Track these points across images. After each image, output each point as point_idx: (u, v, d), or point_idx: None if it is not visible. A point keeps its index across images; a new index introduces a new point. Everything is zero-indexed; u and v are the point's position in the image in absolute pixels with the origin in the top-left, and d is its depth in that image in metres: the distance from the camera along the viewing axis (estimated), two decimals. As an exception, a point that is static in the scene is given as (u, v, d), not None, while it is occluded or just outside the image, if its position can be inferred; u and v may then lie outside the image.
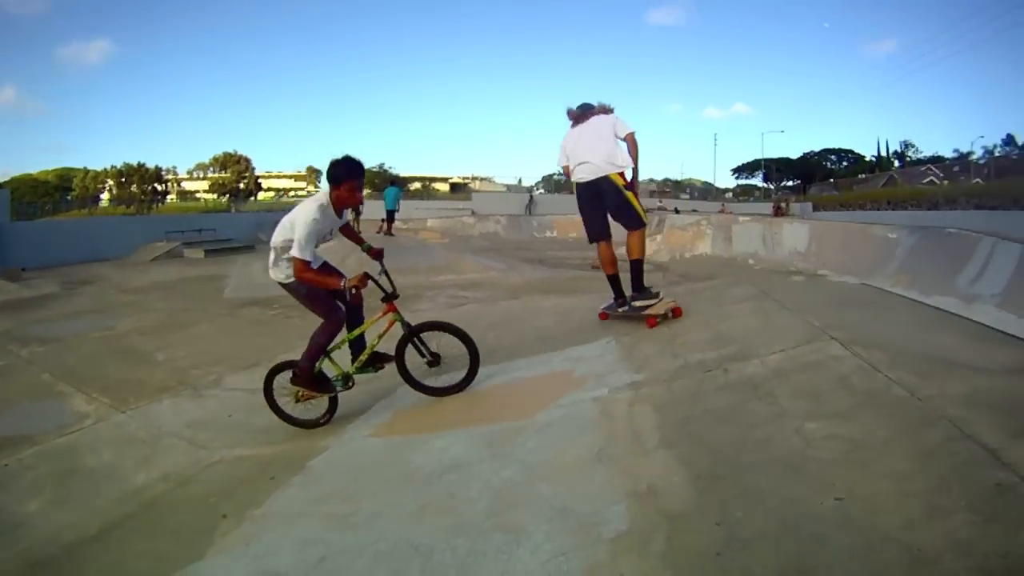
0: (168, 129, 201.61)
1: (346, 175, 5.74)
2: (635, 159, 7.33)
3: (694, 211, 50.78)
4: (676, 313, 7.20)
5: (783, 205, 56.13)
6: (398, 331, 6.13)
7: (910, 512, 2.79)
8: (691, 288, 10.08)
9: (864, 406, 3.93)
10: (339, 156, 5.80)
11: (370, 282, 5.90)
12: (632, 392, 4.93)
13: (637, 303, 7.44)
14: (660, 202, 64.25)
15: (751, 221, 20.25)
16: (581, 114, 7.51)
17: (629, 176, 7.24)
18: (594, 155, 7.14)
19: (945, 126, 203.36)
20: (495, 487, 3.71)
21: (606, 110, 7.45)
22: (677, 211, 48.36)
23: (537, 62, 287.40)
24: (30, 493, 5.10)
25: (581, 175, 7.43)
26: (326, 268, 6.24)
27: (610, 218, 7.47)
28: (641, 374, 5.37)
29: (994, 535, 2.55)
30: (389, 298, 6.20)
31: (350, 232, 6.89)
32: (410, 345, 6.12)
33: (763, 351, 5.25)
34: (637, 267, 7.62)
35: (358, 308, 6.48)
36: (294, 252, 5.52)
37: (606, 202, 7.41)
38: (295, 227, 5.60)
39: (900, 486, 2.99)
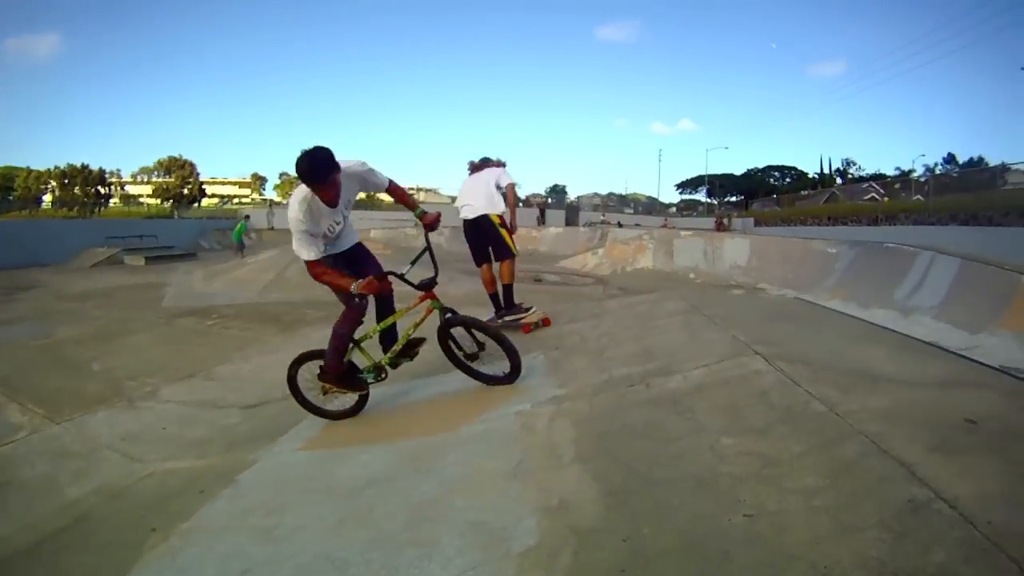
0: (113, 130, 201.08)
1: (325, 173, 5.17)
2: (511, 206, 8.96)
3: (637, 225, 51.19)
4: (546, 323, 8.41)
5: (725, 220, 56.93)
6: (434, 319, 5.96)
7: (819, 529, 2.82)
8: (625, 302, 10.11)
9: (781, 421, 3.97)
10: (310, 149, 5.19)
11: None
12: (554, 406, 4.98)
13: (508, 317, 8.71)
14: (603, 216, 64.55)
15: (693, 236, 20.53)
16: (479, 165, 9.05)
17: (508, 218, 8.75)
18: (477, 199, 8.56)
19: (887, 145, 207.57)
20: (413, 501, 3.75)
21: (499, 164, 9.03)
22: (620, 225, 48.78)
23: (486, 73, 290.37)
24: (-39, 506, 5.01)
25: (466, 214, 8.91)
26: (348, 257, 6.19)
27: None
28: (565, 388, 5.43)
29: (905, 553, 2.57)
30: (425, 287, 5.90)
31: (401, 194, 6.35)
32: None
33: (687, 366, 5.30)
34: (508, 290, 8.88)
35: (388, 298, 6.30)
36: (300, 256, 5.53)
37: (486, 236, 8.82)
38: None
39: (810, 502, 3.02)
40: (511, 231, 8.92)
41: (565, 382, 5.61)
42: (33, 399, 7.39)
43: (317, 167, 5.10)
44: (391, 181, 6.07)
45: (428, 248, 6.05)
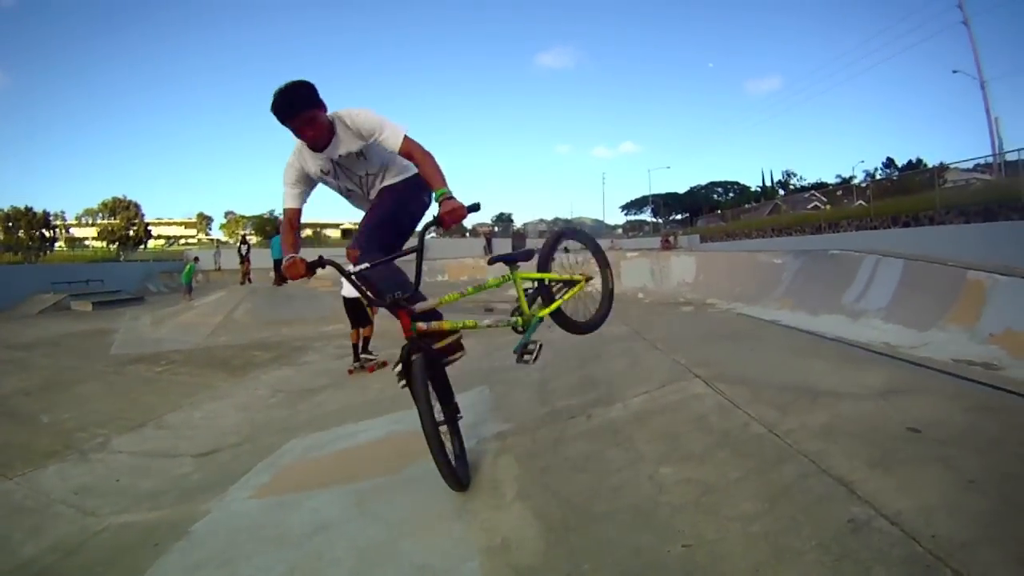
0: (56, 171, 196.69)
1: (291, 108, 4.46)
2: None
3: (583, 248, 51.47)
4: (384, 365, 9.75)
5: (671, 238, 57.35)
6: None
7: (757, 556, 2.85)
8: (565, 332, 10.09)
9: (719, 446, 4.03)
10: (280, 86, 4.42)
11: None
12: (499, 443, 5.01)
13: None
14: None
15: (639, 256, 21.00)
16: None
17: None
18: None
19: (827, 154, 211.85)
20: (360, 546, 3.75)
21: None
22: (567, 250, 48.79)
23: (427, 104, 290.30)
24: (-87, 569, 4.94)
25: (344, 292, 9.94)
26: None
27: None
28: (509, 423, 5.46)
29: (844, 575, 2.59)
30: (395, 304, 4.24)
31: (421, 159, 4.54)
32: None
33: (628, 394, 5.37)
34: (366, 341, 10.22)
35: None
36: None
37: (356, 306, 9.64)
38: None
39: (748, 529, 3.05)
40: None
41: (510, 417, 5.65)
42: (-17, 453, 7.25)
43: (282, 99, 4.41)
44: (407, 139, 4.57)
45: (420, 249, 4.33)
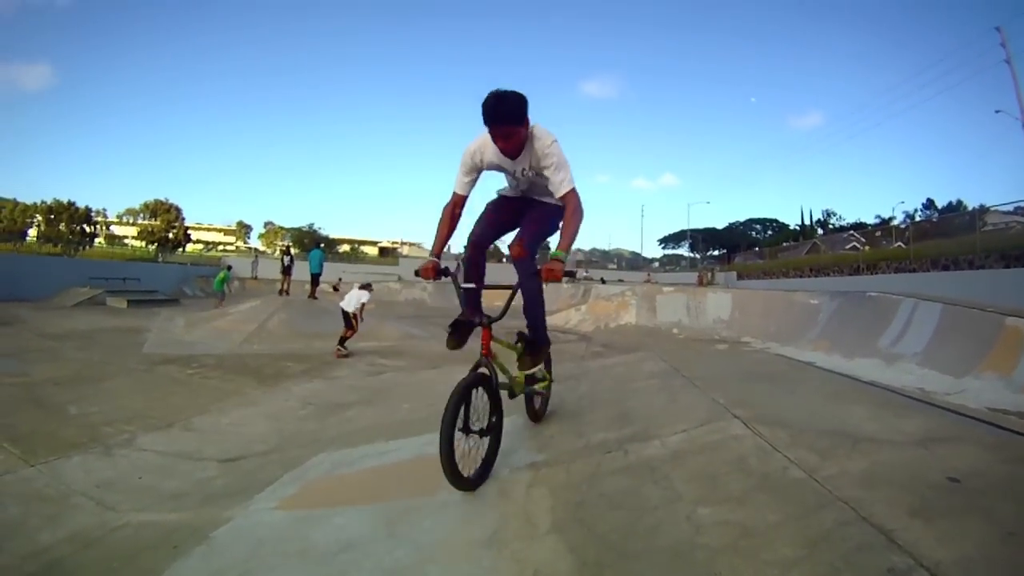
0: (101, 169, 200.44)
1: (499, 117, 4.79)
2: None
3: (620, 281, 51.37)
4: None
5: (708, 274, 57.04)
6: None
7: (797, 602, 2.74)
8: (604, 363, 10.14)
9: (759, 489, 3.94)
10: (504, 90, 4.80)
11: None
12: (531, 473, 4.92)
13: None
14: (586, 272, 64.89)
15: (675, 291, 20.77)
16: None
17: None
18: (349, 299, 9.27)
19: (867, 193, 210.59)
20: (387, 567, 3.68)
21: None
22: (603, 281, 48.90)
23: (471, 127, 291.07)
24: (-68, 545, 4.90)
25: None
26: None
27: None
28: (543, 454, 5.36)
29: (884, 625, 2.49)
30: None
31: (568, 219, 4.99)
32: None
33: (665, 431, 5.26)
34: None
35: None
36: None
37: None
38: None
39: (787, 574, 2.97)
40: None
41: (543, 447, 5.55)
42: (7, 438, 7.32)
43: (495, 105, 4.77)
44: (572, 193, 5.00)
45: (516, 288, 5.26)
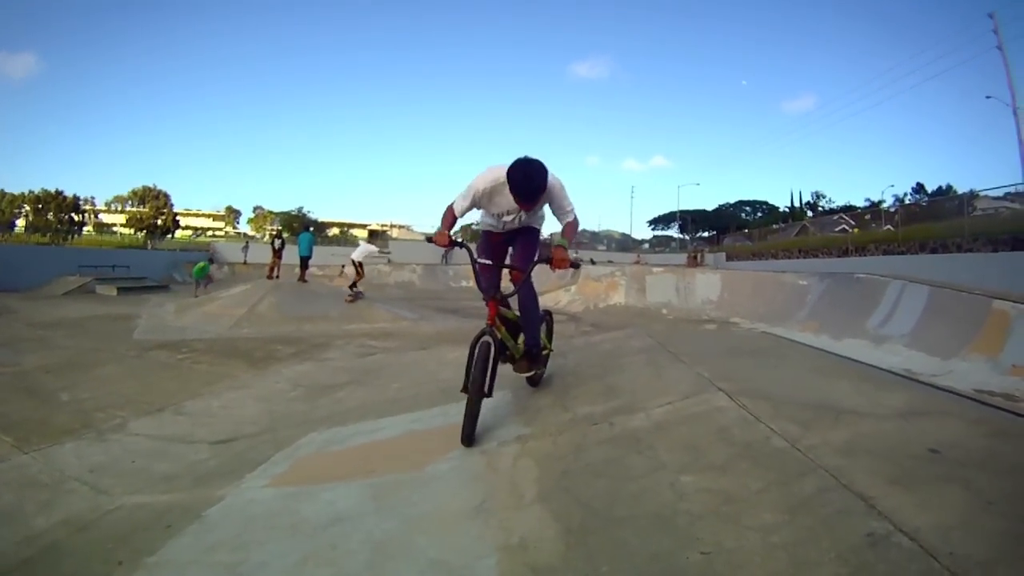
0: (88, 157, 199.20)
1: (534, 195, 5.14)
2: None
3: (610, 262, 51.37)
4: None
5: (698, 256, 57.04)
6: None
7: (775, 565, 2.84)
8: (590, 340, 10.19)
9: (741, 458, 4.01)
10: (529, 161, 5.07)
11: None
12: (519, 445, 4.99)
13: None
14: (575, 254, 65.13)
15: (665, 272, 21.07)
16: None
17: None
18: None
19: (857, 177, 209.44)
20: (376, 539, 3.74)
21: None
22: (593, 262, 48.96)
23: (459, 109, 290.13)
24: (-76, 532, 4.95)
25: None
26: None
27: None
28: (530, 427, 5.44)
29: (862, 588, 2.57)
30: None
31: (569, 231, 5.62)
32: None
33: (650, 404, 5.33)
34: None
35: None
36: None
37: None
38: None
39: (767, 539, 3.04)
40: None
41: (530, 420, 5.63)
42: (0, 427, 7.34)
43: (526, 187, 5.05)
44: (574, 223, 5.62)
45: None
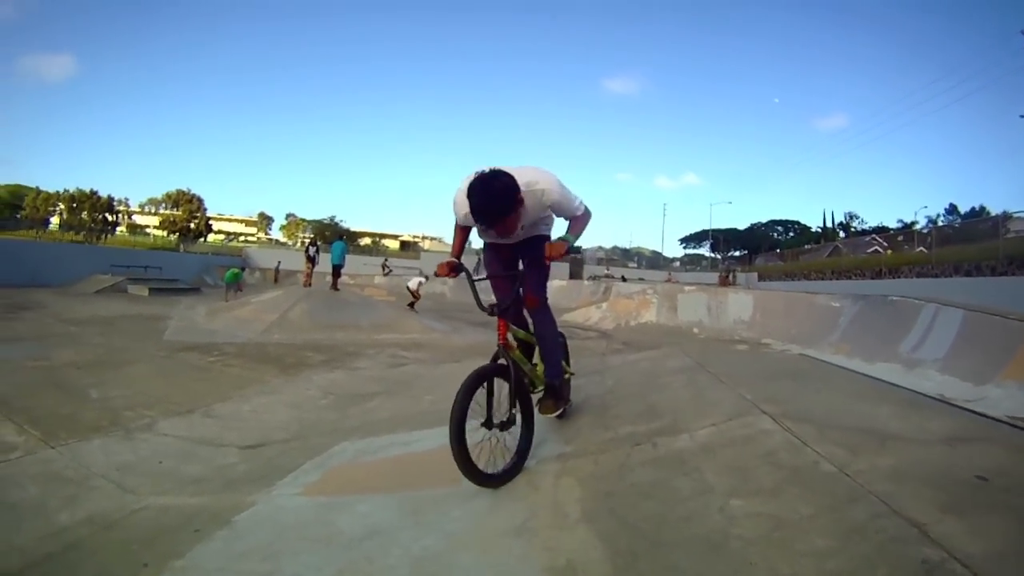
0: (123, 159, 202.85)
1: (494, 215, 4.48)
2: None
3: (641, 280, 51.41)
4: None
5: (729, 275, 56.82)
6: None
7: (833, 592, 2.74)
8: (629, 359, 10.01)
9: (790, 482, 3.90)
10: (484, 175, 4.43)
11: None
12: (560, 464, 4.87)
13: None
14: (607, 270, 64.99)
15: (697, 290, 20.86)
16: None
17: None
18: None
19: (889, 197, 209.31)
20: (415, 555, 3.65)
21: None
22: (624, 279, 48.93)
23: (492, 122, 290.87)
24: (-49, 522, 4.90)
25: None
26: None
27: None
28: (570, 446, 5.31)
29: (919, 613, 2.50)
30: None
31: (578, 225, 5.03)
32: None
33: (693, 425, 5.20)
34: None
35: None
36: None
37: None
38: None
39: (822, 565, 2.95)
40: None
41: (570, 439, 5.49)
42: (28, 420, 7.35)
43: (485, 206, 4.42)
44: (584, 217, 5.04)
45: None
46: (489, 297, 5.00)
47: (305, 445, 6.66)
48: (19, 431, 6.97)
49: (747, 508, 3.61)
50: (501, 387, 4.72)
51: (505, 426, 4.70)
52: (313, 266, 31.16)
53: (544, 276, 5.50)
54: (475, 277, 5.03)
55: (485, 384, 4.61)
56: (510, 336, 5.07)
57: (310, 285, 28.65)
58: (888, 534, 3.11)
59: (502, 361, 4.80)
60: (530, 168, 4.75)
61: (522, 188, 4.51)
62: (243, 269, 42.97)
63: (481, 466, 4.42)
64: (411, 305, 24.34)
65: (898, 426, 4.94)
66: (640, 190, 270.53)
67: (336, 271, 28.08)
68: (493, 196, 4.37)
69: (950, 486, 3.61)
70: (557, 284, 40.35)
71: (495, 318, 4.96)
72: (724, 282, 50.25)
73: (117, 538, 4.63)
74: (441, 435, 5.79)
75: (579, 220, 5.00)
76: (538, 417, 5.25)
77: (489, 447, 4.60)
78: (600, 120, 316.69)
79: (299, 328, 17.47)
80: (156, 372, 10.90)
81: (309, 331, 17.20)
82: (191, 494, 5.56)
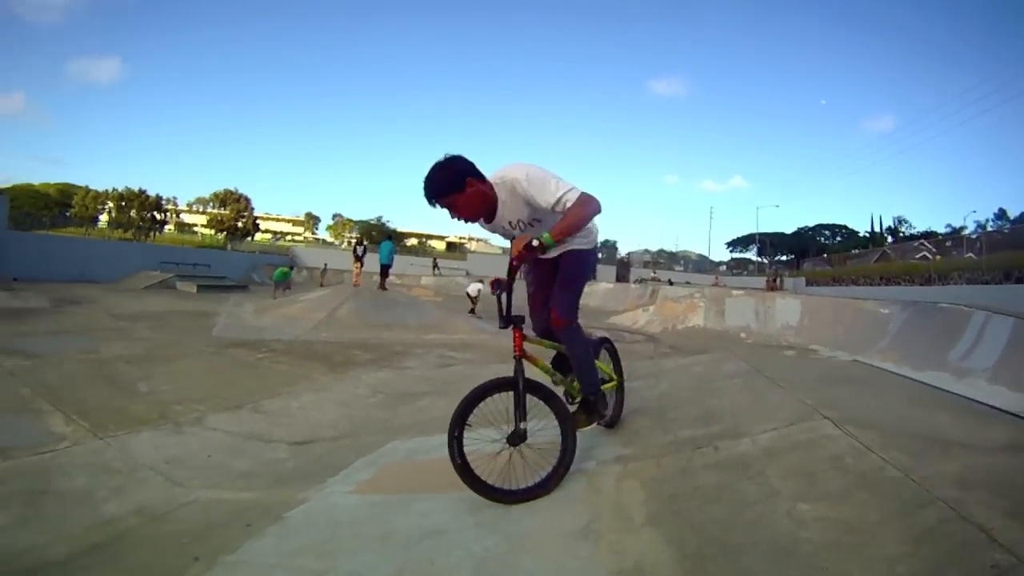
0: (171, 159, 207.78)
1: (435, 193, 4.43)
2: None
3: (688, 283, 51.26)
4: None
5: (776, 279, 56.35)
6: None
7: (907, 596, 2.70)
8: (682, 362, 9.97)
9: (857, 487, 3.84)
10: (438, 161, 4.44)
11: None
12: (620, 466, 4.81)
13: None
14: (654, 273, 64.90)
15: (744, 295, 20.72)
16: None
17: None
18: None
19: (938, 201, 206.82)
20: (477, 556, 3.59)
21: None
22: (671, 282, 48.83)
23: (538, 124, 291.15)
24: (-3, 508, 4.93)
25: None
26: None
27: None
28: (629, 448, 5.25)
29: (994, 617, 2.47)
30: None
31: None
32: None
33: (755, 429, 5.13)
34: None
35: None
36: None
37: None
38: None
39: (894, 569, 2.92)
40: None
41: (628, 442, 5.43)
42: (77, 411, 7.39)
43: (424, 187, 4.41)
44: (584, 200, 4.44)
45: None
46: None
47: (355, 443, 6.66)
48: (67, 421, 7.04)
49: (815, 512, 3.57)
50: (506, 398, 4.66)
51: (514, 440, 4.58)
52: (361, 265, 31.50)
53: (572, 293, 5.07)
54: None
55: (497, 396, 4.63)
56: (527, 347, 4.82)
57: (359, 284, 28.92)
58: (957, 539, 3.08)
59: (510, 375, 4.67)
60: (518, 165, 4.59)
61: (495, 181, 4.56)
62: (292, 268, 43.37)
63: (493, 480, 4.39)
64: (472, 311, 24.60)
65: (959, 433, 4.89)
66: (687, 193, 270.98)
67: (384, 271, 28.43)
68: (432, 173, 4.40)
69: (1014, 493, 3.56)
70: (604, 287, 40.69)
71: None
72: (771, 287, 49.75)
73: (166, 530, 4.62)
74: (495, 435, 5.82)
75: (568, 216, 4.41)
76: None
77: (507, 461, 4.52)
78: (646, 123, 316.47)
79: (347, 326, 17.56)
80: (205, 367, 10.97)
81: (357, 330, 17.28)
82: (240, 488, 5.57)
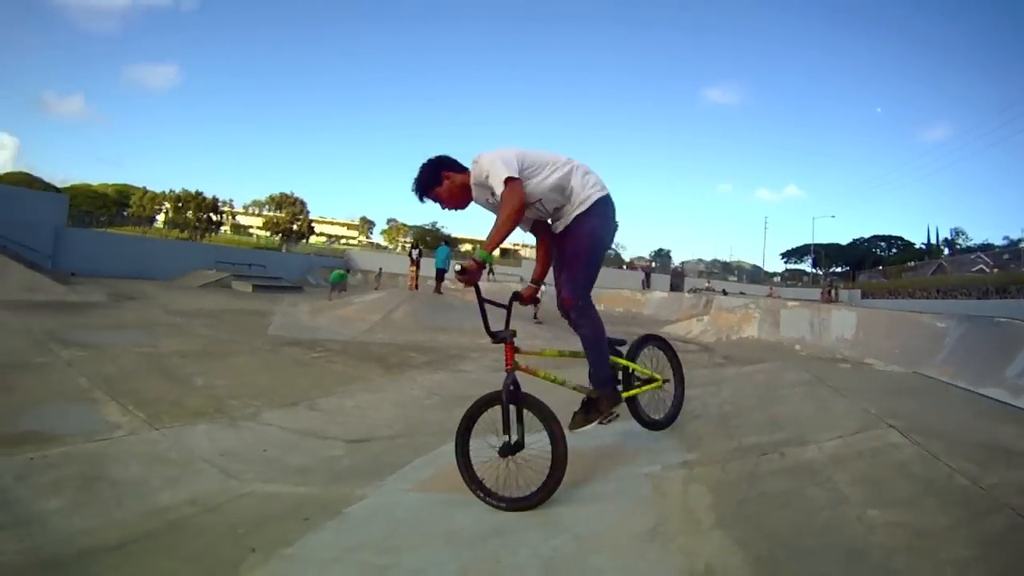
0: (227, 162, 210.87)
1: (421, 192, 4.91)
2: None
3: (742, 294, 51.18)
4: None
5: (832, 291, 55.76)
6: None
7: (981, 599, 2.71)
8: (743, 371, 9.92)
9: (925, 494, 3.80)
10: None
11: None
12: (686, 471, 4.77)
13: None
14: (708, 283, 64.80)
15: (799, 306, 20.51)
16: None
17: None
18: None
19: (996, 213, 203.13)
20: (544, 555, 3.56)
21: None
22: (725, 293, 48.61)
23: (594, 135, 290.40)
24: (51, 492, 5.01)
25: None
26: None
27: None
28: (694, 453, 5.21)
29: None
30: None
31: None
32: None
33: (820, 437, 5.07)
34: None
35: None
36: None
37: None
38: None
39: (966, 572, 2.90)
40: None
41: (692, 447, 5.42)
42: (133, 402, 7.54)
43: (413, 184, 4.92)
44: (505, 195, 4.39)
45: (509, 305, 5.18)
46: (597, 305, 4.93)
47: (411, 443, 6.70)
48: (123, 412, 7.17)
49: (885, 518, 3.54)
50: (502, 412, 4.71)
51: (506, 452, 4.58)
52: (417, 268, 31.96)
53: (583, 268, 4.96)
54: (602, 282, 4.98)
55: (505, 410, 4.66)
56: (518, 359, 4.91)
57: (417, 288, 29.26)
58: (1026, 544, 3.08)
59: (497, 389, 4.74)
60: (493, 151, 4.69)
61: (471, 166, 4.78)
62: (348, 271, 43.79)
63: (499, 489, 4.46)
64: (534, 316, 24.40)
65: (1022, 444, 4.86)
66: (741, 202, 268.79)
67: (440, 275, 28.64)
68: (417, 172, 4.89)
69: (1078, 503, 3.55)
70: (658, 296, 40.79)
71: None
72: (826, 299, 49.18)
73: (221, 521, 4.65)
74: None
75: (497, 216, 4.48)
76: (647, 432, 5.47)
77: (506, 472, 4.54)
78: (700, 131, 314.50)
79: (402, 329, 17.64)
80: (260, 364, 11.09)
81: (412, 332, 17.35)
82: (297, 483, 5.59)
